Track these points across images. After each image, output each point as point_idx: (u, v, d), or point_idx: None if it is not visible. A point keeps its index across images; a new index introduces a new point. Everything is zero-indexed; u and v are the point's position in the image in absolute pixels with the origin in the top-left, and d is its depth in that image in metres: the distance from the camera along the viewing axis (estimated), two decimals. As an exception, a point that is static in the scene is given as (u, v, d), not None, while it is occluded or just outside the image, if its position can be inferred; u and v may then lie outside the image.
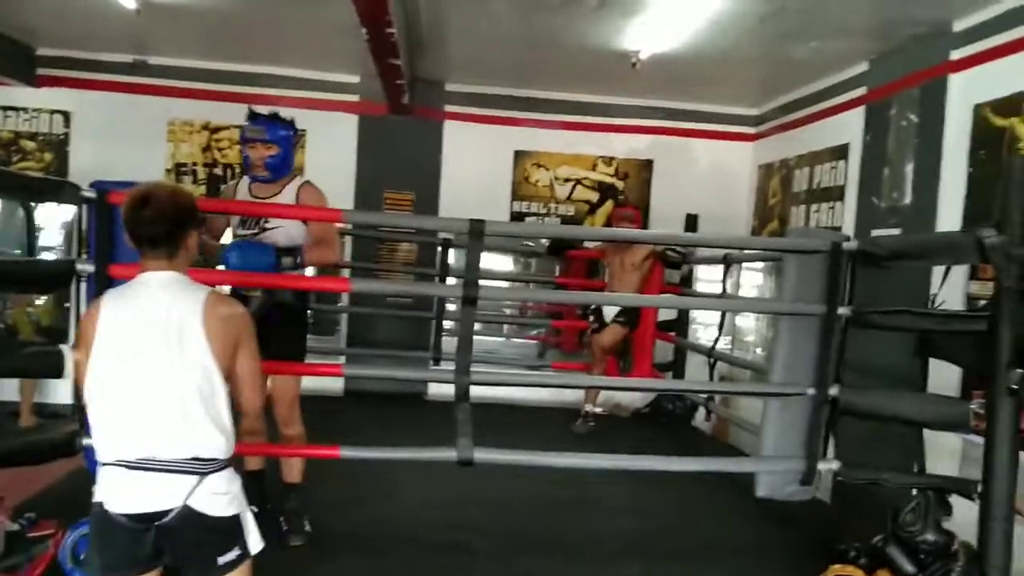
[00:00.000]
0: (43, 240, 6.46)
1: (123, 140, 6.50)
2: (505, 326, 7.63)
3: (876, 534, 3.20)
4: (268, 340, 3.18)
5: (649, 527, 3.78)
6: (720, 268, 5.33)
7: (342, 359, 6.13)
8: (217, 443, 2.06)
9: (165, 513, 2.00)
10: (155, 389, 2.02)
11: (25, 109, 6.57)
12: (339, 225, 6.25)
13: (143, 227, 2.07)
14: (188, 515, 2.01)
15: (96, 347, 2.04)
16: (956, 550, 2.98)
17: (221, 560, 2.06)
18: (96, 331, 2.05)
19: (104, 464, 2.05)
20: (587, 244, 6.33)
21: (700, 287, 6.39)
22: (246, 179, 3.46)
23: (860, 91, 5.30)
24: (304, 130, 6.72)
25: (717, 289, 5.68)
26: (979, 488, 2.94)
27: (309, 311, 3.57)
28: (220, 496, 2.06)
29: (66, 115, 6.60)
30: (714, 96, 6.71)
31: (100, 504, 2.03)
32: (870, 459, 4.24)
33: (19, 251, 6.12)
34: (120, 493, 2.01)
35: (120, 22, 5.28)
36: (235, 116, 6.61)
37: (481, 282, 3.10)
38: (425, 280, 6.40)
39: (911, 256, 3.18)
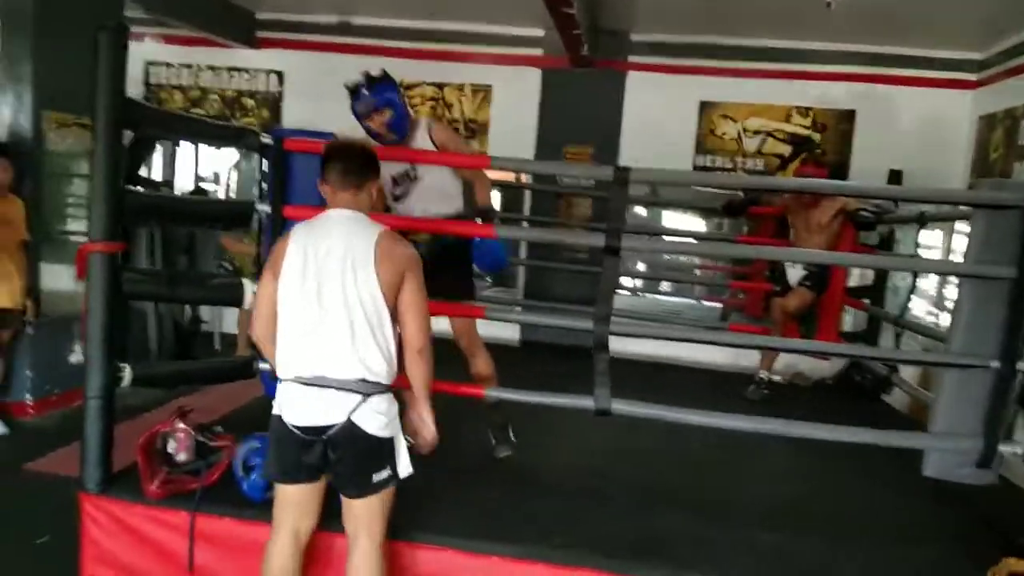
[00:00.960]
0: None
1: (329, 97, 6.88)
2: (696, 288, 7.45)
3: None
4: (436, 281, 3.39)
5: (797, 496, 3.57)
6: (938, 232, 4.80)
7: (518, 309, 6.30)
8: (381, 367, 2.32)
9: (332, 427, 2.28)
10: (330, 314, 2.30)
11: (246, 70, 7.27)
12: (524, 178, 6.46)
13: (342, 159, 2.46)
14: (351, 430, 2.28)
15: (283, 274, 2.37)
16: None
17: (376, 477, 2.35)
18: (284, 260, 2.37)
19: (283, 380, 2.36)
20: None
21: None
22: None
23: (1105, 26, 4.53)
24: (489, 85, 6.91)
25: (933, 255, 5.15)
26: None
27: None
28: (380, 416, 2.32)
29: (280, 74, 7.23)
30: (927, 38, 6.01)
31: (279, 416, 2.35)
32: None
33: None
34: (295, 406, 2.32)
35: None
36: (426, 73, 6.97)
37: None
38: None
39: None
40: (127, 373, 2.92)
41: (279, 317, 2.39)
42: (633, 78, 6.69)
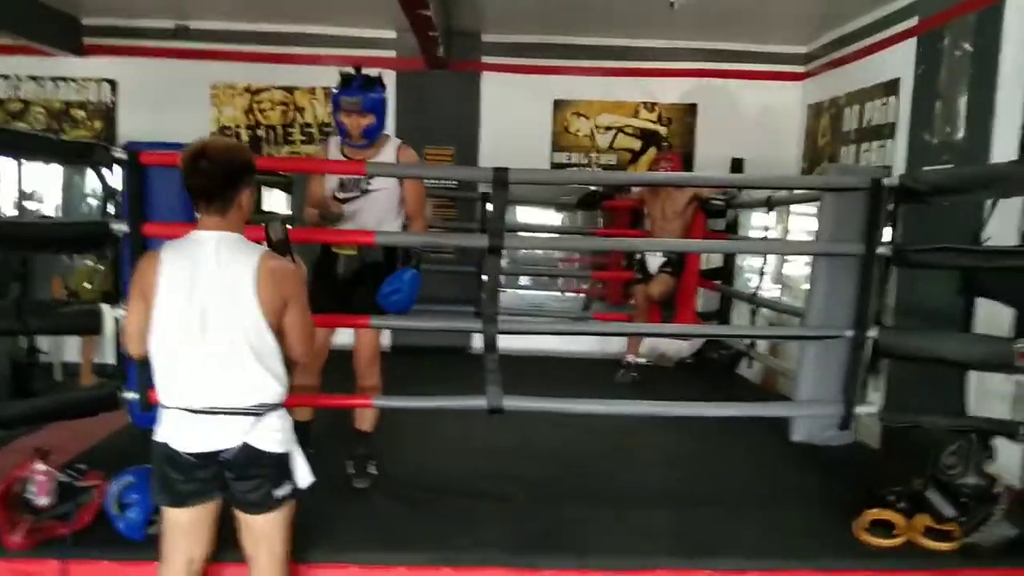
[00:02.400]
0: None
1: (168, 105, 6.60)
2: (560, 280, 7.61)
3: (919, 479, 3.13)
4: (354, 296, 3.30)
5: (683, 475, 3.76)
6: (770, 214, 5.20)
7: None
8: (272, 390, 2.29)
9: (227, 450, 2.24)
10: (214, 343, 2.20)
11: (74, 79, 6.73)
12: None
13: (199, 179, 2.20)
14: (247, 451, 2.25)
15: (158, 301, 2.21)
16: (998, 493, 2.90)
17: (277, 493, 2.32)
18: (157, 284, 2.21)
19: (168, 408, 2.26)
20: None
21: (757, 234, 6.24)
22: (335, 139, 3.40)
23: (912, 22, 5.03)
24: (342, 88, 6.76)
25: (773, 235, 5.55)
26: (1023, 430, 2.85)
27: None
28: (275, 432, 2.30)
29: (113, 83, 6.74)
30: (760, 34, 6.46)
31: (165, 443, 2.26)
32: (916, 402, 4.15)
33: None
34: (186, 434, 2.25)
35: (157, -13, 5.34)
36: (276, 77, 6.73)
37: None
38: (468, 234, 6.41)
39: (955, 191, 3.02)
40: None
41: (155, 343, 2.25)
42: (488, 78, 6.76)
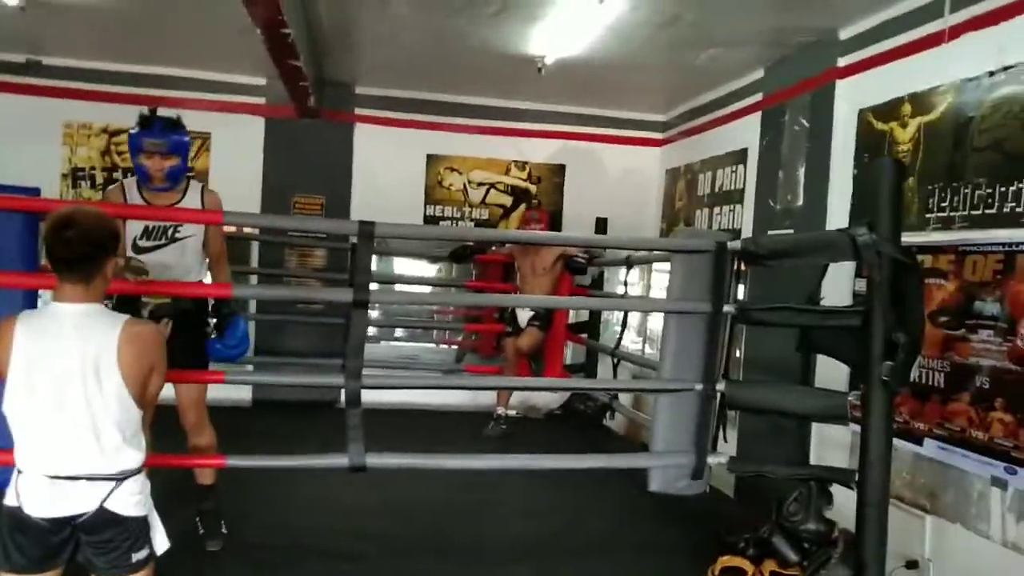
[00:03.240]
0: None
1: (16, 143, 6.21)
2: (434, 332, 7.60)
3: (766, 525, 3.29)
4: (171, 348, 3.14)
5: (545, 528, 3.80)
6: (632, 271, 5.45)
7: (250, 368, 6.00)
8: (133, 458, 2.26)
9: (83, 514, 2.19)
10: (73, 418, 2.16)
11: (-92, 111, 6.23)
12: (247, 230, 6.24)
13: (65, 249, 2.14)
14: (104, 515, 2.20)
15: (13, 372, 2.16)
16: (837, 537, 3.09)
17: (135, 556, 2.26)
18: (11, 354, 2.16)
19: (22, 472, 2.20)
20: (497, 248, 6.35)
21: (619, 290, 6.49)
22: (130, 182, 3.30)
23: (757, 97, 5.47)
24: (208, 133, 6.59)
25: (633, 292, 5.81)
26: (856, 476, 3.06)
27: (210, 319, 3.44)
28: (133, 496, 2.24)
29: (-46, 116, 6.28)
30: (622, 102, 6.83)
31: (17, 508, 2.18)
32: (765, 452, 4.39)
33: None
34: (40, 499, 2.18)
35: (6, 20, 5.06)
36: (134, 118, 6.45)
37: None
38: (336, 286, 6.32)
39: (790, 255, 3.28)
40: None
41: (11, 411, 2.19)
42: (361, 130, 6.77)
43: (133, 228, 3.22)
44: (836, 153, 4.54)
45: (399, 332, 7.70)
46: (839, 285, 4.04)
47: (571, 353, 6.73)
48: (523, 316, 5.89)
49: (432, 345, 7.52)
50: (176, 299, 3.21)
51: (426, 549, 3.39)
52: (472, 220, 7.04)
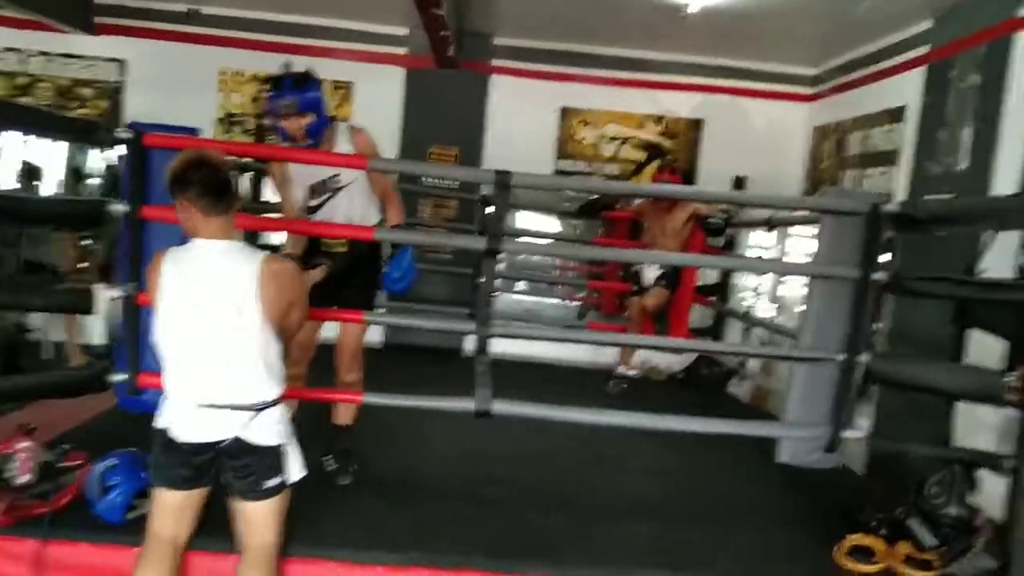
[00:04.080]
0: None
1: (176, 89, 6.60)
2: (557, 287, 7.61)
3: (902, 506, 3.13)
4: (341, 291, 3.31)
5: (665, 489, 3.75)
6: (773, 235, 5.21)
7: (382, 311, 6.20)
8: (271, 389, 2.39)
9: (223, 441, 2.35)
10: (218, 347, 2.31)
11: (83, 56, 6.72)
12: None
13: (201, 186, 2.27)
14: (241, 443, 2.35)
15: (163, 304, 2.32)
16: (981, 524, 2.90)
17: (267, 484, 2.40)
18: (160, 287, 2.31)
19: (170, 399, 2.38)
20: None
21: (751, 254, 6.25)
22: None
23: (923, 50, 5.05)
24: (351, 82, 6.77)
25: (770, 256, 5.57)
26: (1010, 463, 2.84)
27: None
28: (270, 427, 2.39)
29: (121, 63, 6.74)
30: (769, 54, 6.48)
31: (165, 430, 2.38)
32: (904, 429, 4.15)
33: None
34: (186, 424, 2.35)
35: (171, -29, 5.34)
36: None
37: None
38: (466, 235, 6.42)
39: (954, 221, 3.03)
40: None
41: (161, 341, 2.37)
42: (496, 81, 6.77)
43: (298, 193, 3.28)
44: (1009, 113, 4.14)
45: (521, 286, 7.75)
46: (1001, 256, 3.72)
47: (698, 316, 6.56)
48: (649, 275, 5.75)
49: (556, 300, 7.52)
50: (352, 245, 3.30)
51: (547, 500, 3.42)
52: (603, 175, 6.93)
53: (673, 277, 5.69)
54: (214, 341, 2.30)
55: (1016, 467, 2.79)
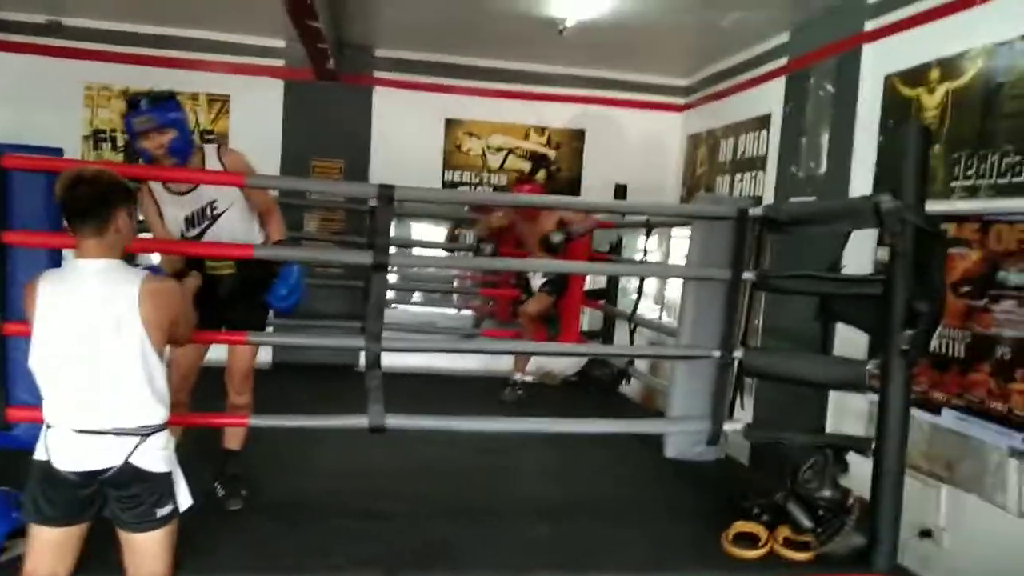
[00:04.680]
0: None
1: (37, 105, 6.25)
2: (453, 297, 7.62)
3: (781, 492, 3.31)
4: (234, 312, 3.23)
5: (562, 491, 3.83)
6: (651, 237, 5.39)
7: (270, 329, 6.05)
8: (158, 414, 2.35)
9: (109, 469, 2.27)
10: (99, 369, 2.24)
11: (-68, 71, 6.27)
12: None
13: (76, 202, 2.24)
14: (130, 470, 2.28)
15: (38, 328, 2.26)
16: (851, 504, 3.10)
17: (159, 512, 2.34)
18: (37, 311, 2.25)
19: (51, 427, 2.29)
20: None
21: (637, 256, 6.45)
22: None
23: (782, 61, 5.39)
24: (228, 96, 6.59)
25: (651, 258, 5.77)
26: (872, 445, 3.07)
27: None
28: (158, 452, 2.33)
29: (-24, 78, 6.31)
30: (644, 66, 6.75)
31: (45, 462, 2.28)
32: (781, 420, 4.40)
33: None
34: (69, 453, 2.26)
35: (26, -21, 5.06)
36: (156, 81, 6.42)
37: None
38: (355, 249, 6.36)
39: (811, 222, 3.26)
40: None
41: (38, 366, 2.28)
42: (380, 93, 6.74)
43: (176, 224, 3.17)
44: (861, 119, 4.48)
45: (416, 297, 7.73)
46: (860, 253, 4.01)
47: (587, 319, 6.74)
48: (535, 282, 5.83)
49: (449, 311, 7.54)
50: (239, 268, 3.22)
51: (445, 510, 3.43)
52: (490, 185, 7.02)
53: (556, 283, 5.77)
54: (95, 364, 2.24)
55: (877, 448, 3.02)
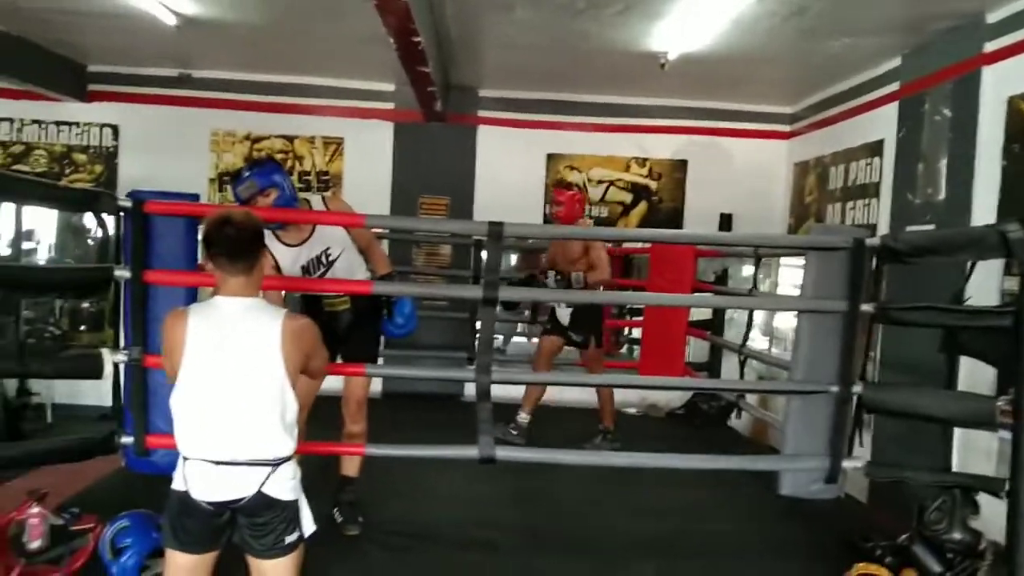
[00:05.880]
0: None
1: (169, 151, 6.74)
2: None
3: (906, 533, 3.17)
4: (349, 344, 3.41)
5: (670, 526, 3.78)
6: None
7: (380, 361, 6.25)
8: (288, 445, 2.42)
9: (243, 498, 2.35)
10: (238, 404, 2.34)
11: (77, 123, 6.85)
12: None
13: (226, 245, 2.34)
14: (262, 499, 2.36)
15: (187, 361, 2.34)
16: (983, 549, 2.94)
17: (287, 539, 2.41)
18: (184, 344, 2.34)
19: (188, 459, 2.37)
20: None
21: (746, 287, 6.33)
22: (267, 233, 3.44)
23: (893, 87, 5.22)
24: (341, 138, 6.92)
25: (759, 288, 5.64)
26: (1006, 486, 2.89)
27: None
28: (288, 481, 2.41)
29: (115, 128, 6.87)
30: (747, 95, 6.67)
31: (184, 492, 2.37)
32: (902, 456, 4.20)
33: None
34: (205, 484, 2.35)
35: (163, 37, 5.47)
36: (276, 126, 6.89)
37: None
38: (459, 282, 6.51)
39: (933, 252, 3.13)
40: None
41: (181, 399, 2.37)
42: (484, 131, 6.93)
43: (293, 274, 3.37)
44: (982, 143, 4.28)
45: (519, 327, 7.81)
46: (986, 282, 3.82)
47: (692, 350, 6.63)
48: (563, 314, 5.29)
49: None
50: (354, 303, 3.43)
51: (551, 541, 3.45)
52: (591, 218, 7.05)
53: (585, 321, 5.22)
54: (238, 397, 2.33)
55: (1012, 490, 2.85)
